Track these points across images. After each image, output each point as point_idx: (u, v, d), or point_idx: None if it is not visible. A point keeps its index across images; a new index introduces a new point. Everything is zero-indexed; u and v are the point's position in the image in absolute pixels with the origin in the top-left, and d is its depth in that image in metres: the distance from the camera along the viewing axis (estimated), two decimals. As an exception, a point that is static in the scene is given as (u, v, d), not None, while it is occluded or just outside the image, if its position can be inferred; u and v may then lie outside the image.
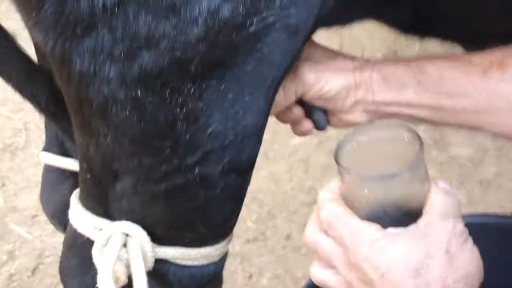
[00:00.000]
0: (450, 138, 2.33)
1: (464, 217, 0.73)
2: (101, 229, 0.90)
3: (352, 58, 0.94)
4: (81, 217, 0.92)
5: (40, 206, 2.21)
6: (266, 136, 2.56)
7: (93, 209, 0.91)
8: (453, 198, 0.72)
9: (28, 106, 2.68)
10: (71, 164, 1.09)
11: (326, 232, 0.74)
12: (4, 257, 2.03)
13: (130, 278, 0.88)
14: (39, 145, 2.28)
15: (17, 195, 2.24)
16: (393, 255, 0.68)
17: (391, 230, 0.70)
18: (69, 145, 1.06)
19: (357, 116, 0.94)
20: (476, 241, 0.73)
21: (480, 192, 2.13)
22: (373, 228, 0.70)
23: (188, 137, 0.79)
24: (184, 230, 0.90)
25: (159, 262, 0.92)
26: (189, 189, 0.84)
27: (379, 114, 0.93)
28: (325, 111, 0.96)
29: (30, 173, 2.31)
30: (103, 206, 0.90)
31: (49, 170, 1.16)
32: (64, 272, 0.98)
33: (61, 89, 0.81)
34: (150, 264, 0.90)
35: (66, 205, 0.98)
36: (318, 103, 0.94)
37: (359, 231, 0.70)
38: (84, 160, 0.87)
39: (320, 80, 0.90)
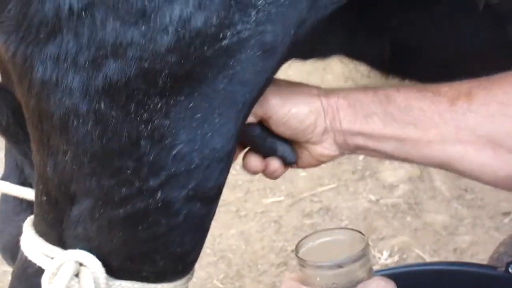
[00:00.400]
0: (426, 205, 2.32)
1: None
2: (53, 258, 0.85)
3: (316, 87, 0.92)
4: (33, 244, 0.87)
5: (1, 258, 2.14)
6: (238, 195, 2.55)
7: (47, 235, 0.86)
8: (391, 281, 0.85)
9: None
10: (29, 194, 1.04)
11: None
12: (-44, 306, 1.95)
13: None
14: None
15: (-25, 242, 2.16)
16: None
17: None
18: (28, 172, 1.02)
19: (326, 147, 0.91)
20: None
21: (454, 260, 2.10)
22: None
23: (151, 158, 0.76)
24: (142, 262, 0.85)
25: (113, 297, 0.87)
26: (150, 215, 0.80)
27: (348, 147, 0.91)
28: (288, 142, 0.92)
29: (-9, 221, 2.25)
30: (57, 233, 0.85)
31: (5, 200, 1.11)
32: (12, 305, 0.92)
33: (21, 102, 0.78)
34: (104, 297, 0.85)
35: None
36: (285, 132, 0.90)
37: None
38: (40, 181, 0.83)
39: (286, 104, 0.87)
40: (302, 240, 0.90)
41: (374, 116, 0.86)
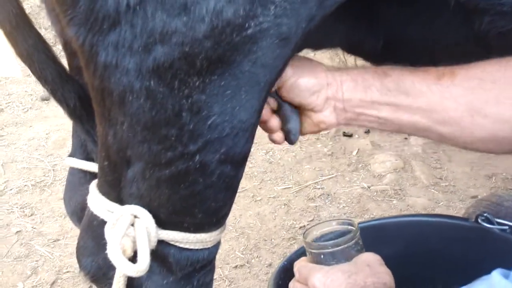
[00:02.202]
0: (408, 191, 2.32)
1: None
2: (113, 212, 0.86)
3: (325, 65, 0.92)
4: (97, 202, 0.89)
5: (62, 232, 2.16)
6: (255, 183, 2.55)
7: (108, 194, 0.87)
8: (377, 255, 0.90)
9: (56, 152, 2.66)
10: (92, 167, 1.06)
11: (298, 281, 0.92)
12: (29, 272, 1.97)
13: (135, 255, 0.84)
14: (63, 183, 2.25)
15: (43, 222, 2.19)
16: (334, 271, 0.87)
17: None
18: (90, 148, 1.03)
19: (327, 115, 0.90)
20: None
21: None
22: (322, 266, 0.90)
23: (191, 127, 0.77)
24: (184, 215, 0.86)
25: (160, 244, 0.87)
26: (190, 175, 0.81)
27: (345, 116, 0.90)
28: (298, 115, 0.92)
29: (55, 206, 2.27)
30: (116, 192, 0.86)
31: (72, 173, 1.12)
32: (80, 251, 0.93)
33: (88, 83, 0.79)
34: (153, 243, 0.86)
35: (85, 204, 0.94)
36: (294, 99, 0.90)
37: (314, 268, 0.90)
38: (103, 149, 0.84)
39: (295, 74, 0.88)
40: (307, 230, 0.98)
41: (372, 87, 0.87)
